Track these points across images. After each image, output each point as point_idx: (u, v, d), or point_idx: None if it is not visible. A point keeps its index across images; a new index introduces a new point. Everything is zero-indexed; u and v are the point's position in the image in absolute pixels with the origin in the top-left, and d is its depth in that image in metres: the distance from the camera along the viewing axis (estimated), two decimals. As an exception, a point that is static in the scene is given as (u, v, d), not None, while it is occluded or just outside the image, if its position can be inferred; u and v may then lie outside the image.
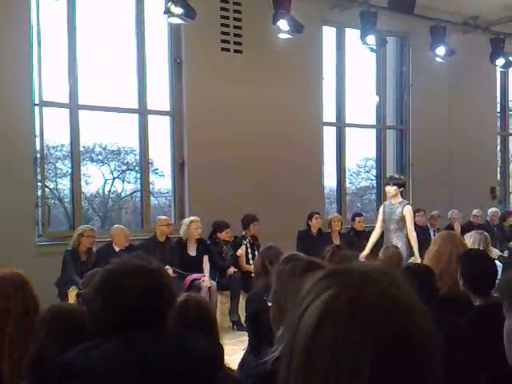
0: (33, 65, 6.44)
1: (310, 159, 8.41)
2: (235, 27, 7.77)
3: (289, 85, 8.11)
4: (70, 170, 7.12)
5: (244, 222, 7.22)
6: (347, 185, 9.58)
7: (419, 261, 5.32)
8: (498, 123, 11.27)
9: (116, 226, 6.66)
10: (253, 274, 4.53)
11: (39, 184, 6.67)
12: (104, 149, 8.17)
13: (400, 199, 6.62)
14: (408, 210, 6.51)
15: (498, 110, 11.27)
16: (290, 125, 8.12)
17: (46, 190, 7.10)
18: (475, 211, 9.22)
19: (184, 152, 7.58)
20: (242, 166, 7.70)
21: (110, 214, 8.64)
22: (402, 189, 6.66)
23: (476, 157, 9.97)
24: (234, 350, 4.54)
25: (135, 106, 7.40)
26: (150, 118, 7.50)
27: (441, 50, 8.93)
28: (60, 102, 6.87)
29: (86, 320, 1.96)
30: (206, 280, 6.53)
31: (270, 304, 2.19)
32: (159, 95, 7.59)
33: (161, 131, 7.67)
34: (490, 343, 2.62)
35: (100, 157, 8.19)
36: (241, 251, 7.03)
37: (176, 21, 6.78)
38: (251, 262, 6.99)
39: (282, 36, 7.49)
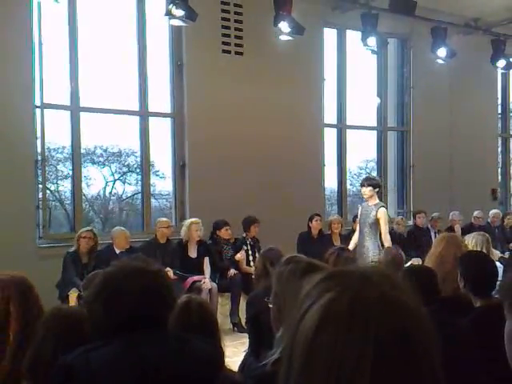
0: (34, 67, 6.45)
1: (310, 161, 8.41)
2: (236, 29, 7.78)
3: (290, 86, 8.11)
4: (70, 172, 7.13)
5: (244, 223, 7.22)
6: (348, 186, 9.58)
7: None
8: (499, 125, 11.27)
9: (116, 227, 6.66)
10: (253, 276, 4.53)
11: (40, 186, 6.67)
12: (105, 151, 8.19)
13: (376, 201, 6.31)
14: (382, 213, 6.21)
15: (499, 111, 11.26)
16: (291, 126, 8.12)
17: (47, 192, 7.10)
18: (476, 213, 9.22)
19: (185, 154, 7.58)
20: (242, 168, 7.70)
21: (111, 215, 8.65)
22: (377, 189, 6.35)
23: (477, 158, 9.97)
24: (235, 352, 4.53)
25: (136, 108, 7.40)
26: (151, 120, 7.50)
27: (442, 52, 8.93)
28: (61, 104, 6.88)
29: (86, 322, 1.96)
30: (206, 282, 6.52)
31: (270, 306, 2.19)
32: (160, 97, 7.60)
33: (162, 133, 7.67)
34: (491, 345, 2.62)
35: (101, 159, 8.20)
36: (240, 255, 7.01)
37: (177, 23, 6.79)
38: (252, 263, 6.98)
39: (283, 38, 7.49)
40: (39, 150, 6.60)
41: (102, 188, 8.34)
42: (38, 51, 6.48)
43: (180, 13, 6.52)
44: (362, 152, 10.01)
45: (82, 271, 5.90)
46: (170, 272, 6.03)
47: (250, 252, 7.21)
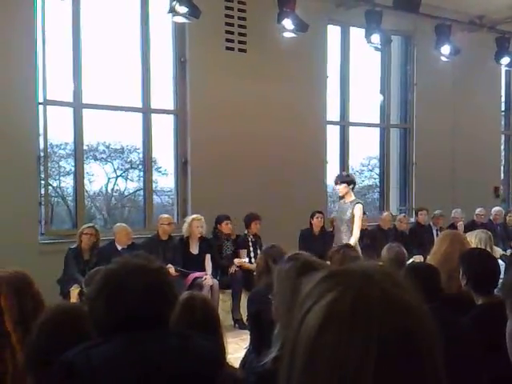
0: (37, 63, 6.45)
1: (313, 158, 8.40)
2: (239, 26, 7.77)
3: (293, 83, 8.09)
4: (73, 169, 7.13)
5: (246, 220, 7.23)
6: (350, 184, 9.55)
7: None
8: (503, 122, 11.24)
9: (118, 224, 6.67)
10: (254, 273, 4.53)
11: (43, 182, 6.68)
12: (107, 147, 8.19)
13: (352, 198, 6.24)
14: (358, 209, 6.12)
15: (503, 108, 11.23)
16: (294, 123, 8.11)
17: (50, 188, 7.11)
18: (478, 210, 9.20)
19: (187, 151, 7.58)
20: (245, 164, 7.70)
21: (113, 212, 8.66)
22: (352, 186, 6.29)
23: (480, 156, 9.94)
24: (236, 349, 4.54)
25: (139, 104, 7.40)
26: (154, 116, 7.50)
27: (446, 49, 8.90)
28: (64, 100, 6.88)
29: (85, 319, 1.96)
30: (207, 278, 6.53)
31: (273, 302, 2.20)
32: (163, 94, 7.60)
33: (164, 130, 7.67)
34: (493, 343, 2.62)
35: (103, 155, 8.21)
36: (240, 260, 6.97)
37: (180, 20, 6.77)
38: (253, 260, 6.99)
39: (287, 35, 7.48)
40: (42, 146, 6.61)
41: (105, 184, 8.35)
42: (41, 48, 6.48)
43: (183, 10, 6.51)
44: (365, 149, 10.00)
45: (84, 267, 5.91)
46: (171, 269, 6.04)
47: (251, 249, 7.21)
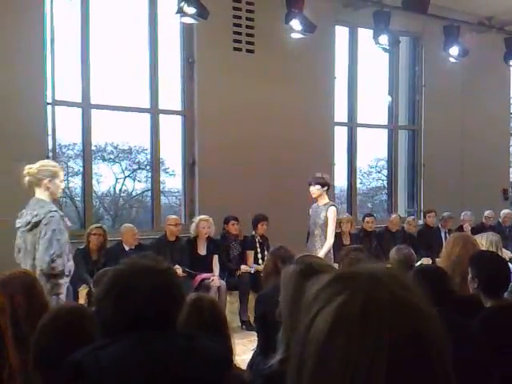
0: (46, 64, 6.47)
1: (320, 159, 8.37)
2: (247, 27, 7.77)
3: (301, 84, 8.09)
4: (81, 169, 7.16)
5: (253, 221, 7.23)
6: (358, 185, 9.54)
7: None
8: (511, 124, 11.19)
9: (125, 224, 6.69)
10: (262, 274, 4.52)
11: (51, 182, 6.69)
12: (115, 148, 8.22)
13: (325, 201, 5.98)
14: (332, 212, 5.87)
15: (512, 110, 11.18)
16: (301, 124, 8.10)
17: (58, 188, 7.13)
18: (487, 212, 9.15)
19: (195, 152, 7.59)
20: (252, 165, 7.69)
21: (121, 212, 8.68)
22: (326, 188, 6.00)
23: (488, 158, 9.89)
24: (243, 350, 4.54)
25: (147, 105, 7.41)
26: (162, 117, 7.51)
27: (454, 50, 8.86)
28: (72, 101, 6.90)
29: (88, 319, 1.97)
30: (215, 279, 6.53)
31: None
32: (171, 95, 7.61)
33: (172, 131, 7.69)
34: (502, 345, 2.60)
35: (111, 156, 8.23)
36: (246, 268, 6.95)
37: (189, 20, 6.78)
38: (260, 261, 6.99)
39: (295, 35, 7.47)
40: (50, 146, 6.63)
41: (113, 185, 8.38)
42: (49, 48, 6.51)
43: (192, 10, 6.52)
44: (373, 151, 9.97)
45: (92, 268, 5.93)
46: (178, 270, 6.05)
47: (258, 250, 7.20)
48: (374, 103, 9.60)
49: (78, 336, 1.93)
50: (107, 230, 6.51)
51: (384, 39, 8.11)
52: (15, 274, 2.59)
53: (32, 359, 2.00)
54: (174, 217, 6.94)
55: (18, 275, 2.56)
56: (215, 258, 6.87)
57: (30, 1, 6.36)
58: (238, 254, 7.16)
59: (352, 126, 9.11)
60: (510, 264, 3.55)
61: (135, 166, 8.41)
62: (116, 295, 1.71)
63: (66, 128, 7.09)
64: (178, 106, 7.66)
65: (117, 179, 8.35)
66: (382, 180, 10.35)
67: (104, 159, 8.04)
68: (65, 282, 3.97)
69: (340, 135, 9.00)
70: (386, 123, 9.68)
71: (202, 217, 6.87)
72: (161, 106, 7.46)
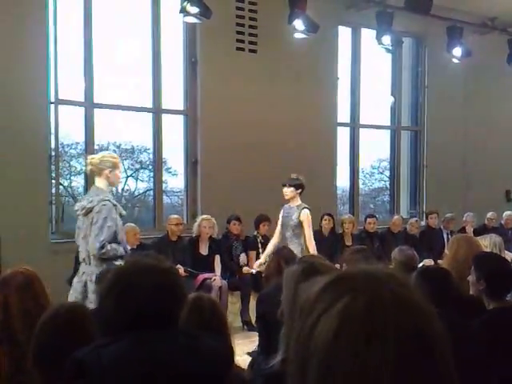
0: (49, 63, 6.48)
1: (323, 160, 8.37)
2: (250, 27, 7.77)
3: (303, 85, 8.08)
4: (84, 168, 7.16)
5: (255, 221, 7.23)
6: (360, 186, 9.53)
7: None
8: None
9: (127, 224, 6.69)
10: (263, 274, 4.52)
11: (54, 181, 6.71)
12: (118, 147, 8.22)
13: (298, 202, 5.85)
14: (305, 215, 5.73)
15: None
16: (304, 125, 8.10)
17: (60, 187, 7.15)
18: (490, 214, 9.14)
19: (197, 151, 7.59)
20: (255, 165, 7.69)
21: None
22: (300, 190, 5.89)
23: (491, 159, 9.87)
24: (245, 350, 4.53)
25: (150, 105, 7.42)
26: (164, 117, 7.52)
27: (457, 51, 8.85)
28: (75, 100, 6.91)
29: (90, 318, 1.97)
30: (217, 279, 6.53)
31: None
32: (174, 94, 7.61)
33: (175, 130, 7.69)
34: (503, 346, 2.60)
35: (114, 155, 8.22)
36: (248, 270, 6.94)
37: (192, 20, 6.79)
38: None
39: (298, 36, 7.47)
40: (53, 145, 6.64)
41: (115, 184, 8.37)
42: (52, 47, 6.52)
43: (195, 10, 6.52)
44: (375, 151, 9.96)
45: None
46: (180, 269, 6.05)
47: (260, 250, 7.20)
48: (377, 104, 9.59)
49: (78, 334, 1.94)
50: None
51: (387, 40, 8.10)
52: (13, 273, 2.59)
53: (32, 357, 2.01)
54: (175, 216, 6.94)
55: (14, 275, 2.56)
56: (217, 257, 6.87)
57: (33, 0, 6.37)
58: (240, 253, 7.15)
59: (355, 126, 9.11)
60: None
61: (137, 166, 8.42)
62: (118, 293, 1.71)
63: (68, 127, 7.10)
64: (181, 106, 7.66)
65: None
66: (385, 181, 10.34)
67: (106, 158, 8.03)
68: (118, 263, 4.18)
69: (342, 136, 9.00)
70: (389, 124, 9.67)
71: (204, 216, 6.88)
72: (163, 106, 7.47)
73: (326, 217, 7.77)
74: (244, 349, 4.66)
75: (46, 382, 1.95)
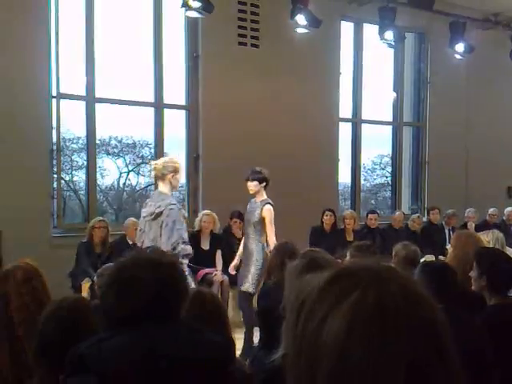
0: (51, 57, 6.47)
1: (325, 155, 8.36)
2: (252, 21, 7.75)
3: (305, 80, 8.07)
4: (85, 163, 7.17)
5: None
6: (362, 182, 9.52)
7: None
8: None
9: (129, 218, 6.70)
10: (265, 269, 4.52)
11: (55, 176, 6.71)
12: (120, 142, 8.23)
13: (263, 197, 5.54)
14: (267, 211, 5.43)
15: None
16: (306, 120, 8.08)
17: (62, 182, 7.15)
18: (491, 210, 9.12)
19: (199, 146, 7.58)
20: (257, 160, 7.65)
21: (125, 206, 8.69)
22: (264, 184, 5.57)
23: (493, 155, 9.85)
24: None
25: (151, 99, 7.41)
26: (166, 111, 7.51)
27: (460, 47, 8.82)
28: (77, 94, 6.90)
29: (92, 312, 1.97)
30: (218, 274, 6.53)
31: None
32: (175, 89, 7.60)
33: (176, 125, 7.68)
34: (505, 342, 2.60)
35: (115, 150, 8.25)
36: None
37: (193, 14, 6.77)
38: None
39: (300, 31, 7.45)
40: (54, 139, 6.64)
41: (116, 179, 8.39)
42: (54, 41, 6.51)
43: (196, 4, 6.50)
44: (377, 147, 9.95)
45: (96, 261, 5.94)
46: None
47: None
48: (379, 99, 9.57)
49: (82, 328, 1.94)
50: (110, 223, 6.52)
51: (389, 35, 8.07)
52: (14, 267, 2.59)
53: (34, 351, 2.01)
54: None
55: (15, 269, 2.56)
56: (218, 252, 6.86)
57: (35, -6, 6.36)
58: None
59: (356, 122, 9.09)
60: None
61: (139, 160, 8.42)
62: (119, 287, 1.71)
63: (70, 121, 7.10)
64: (182, 101, 7.65)
65: (121, 173, 8.36)
66: (386, 177, 10.33)
67: (108, 153, 8.06)
68: (186, 262, 4.64)
69: (344, 131, 8.98)
70: (391, 119, 9.65)
71: (205, 212, 6.87)
72: (165, 101, 7.45)
73: (327, 212, 7.76)
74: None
75: (48, 376, 1.95)
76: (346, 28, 8.84)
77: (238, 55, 7.63)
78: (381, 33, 8.06)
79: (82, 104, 6.93)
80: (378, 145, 9.90)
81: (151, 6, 7.31)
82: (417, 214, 8.87)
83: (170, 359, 1.63)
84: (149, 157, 8.19)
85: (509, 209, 9.44)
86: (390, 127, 9.70)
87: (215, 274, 6.53)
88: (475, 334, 2.41)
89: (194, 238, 6.86)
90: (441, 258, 7.01)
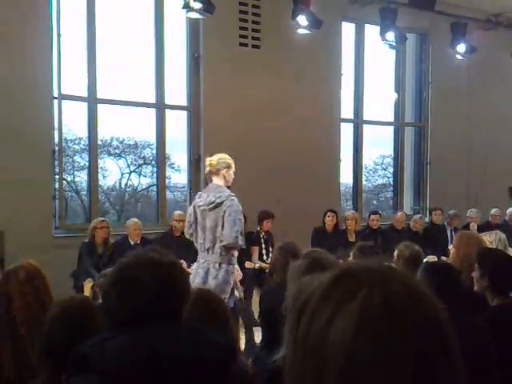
0: (52, 58, 6.48)
1: (326, 156, 8.36)
2: (254, 22, 7.75)
3: (307, 80, 8.07)
4: (87, 163, 7.17)
5: (259, 218, 7.21)
6: (363, 182, 9.52)
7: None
8: (519, 122, 11.10)
9: (131, 219, 6.70)
10: (267, 270, 4.52)
11: (57, 177, 6.72)
12: (121, 142, 8.23)
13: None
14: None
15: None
16: (307, 120, 8.08)
17: (64, 182, 7.16)
18: (494, 211, 9.11)
19: (200, 147, 7.59)
20: (258, 161, 7.68)
21: (126, 207, 8.70)
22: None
23: (495, 155, 9.84)
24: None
25: (153, 100, 7.41)
26: (168, 112, 7.51)
27: (461, 47, 8.82)
28: (79, 95, 6.91)
29: (97, 311, 1.97)
30: (220, 275, 6.52)
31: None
32: (177, 89, 7.61)
33: (178, 126, 7.69)
34: (508, 342, 2.59)
35: (117, 150, 8.25)
36: (250, 264, 6.88)
37: (195, 15, 6.77)
38: (265, 257, 6.98)
39: (301, 31, 7.45)
40: (56, 140, 6.64)
41: (118, 180, 8.39)
42: (56, 42, 6.52)
43: (198, 5, 6.50)
44: (379, 147, 9.94)
45: (98, 261, 5.95)
46: (183, 264, 6.05)
47: (263, 246, 7.19)
48: (381, 100, 9.57)
49: (89, 327, 1.94)
50: (112, 224, 6.53)
51: (391, 36, 8.07)
52: (16, 267, 2.59)
53: (40, 350, 2.00)
54: (179, 213, 6.93)
55: (18, 269, 2.56)
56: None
57: (36, -5, 6.37)
58: (242, 249, 7.12)
59: (358, 122, 9.09)
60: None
61: (141, 161, 8.42)
62: (121, 287, 1.71)
63: (72, 122, 7.10)
64: (184, 101, 7.65)
65: (122, 174, 8.36)
66: (388, 177, 10.32)
67: (110, 154, 8.06)
68: (236, 254, 4.83)
69: (346, 132, 8.98)
70: (393, 120, 9.64)
71: (206, 212, 6.86)
72: (166, 101, 7.46)
73: (329, 213, 7.75)
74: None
75: (54, 375, 1.95)
76: (348, 29, 8.84)
77: (239, 56, 7.64)
78: (382, 33, 8.06)
79: (84, 105, 6.94)
80: (379, 145, 9.90)
81: (152, 7, 7.32)
82: (419, 215, 8.86)
83: (171, 359, 1.62)
84: (150, 158, 8.19)
85: (511, 209, 9.43)
86: (391, 128, 9.70)
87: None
88: (478, 334, 2.41)
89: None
90: (443, 258, 7.00)
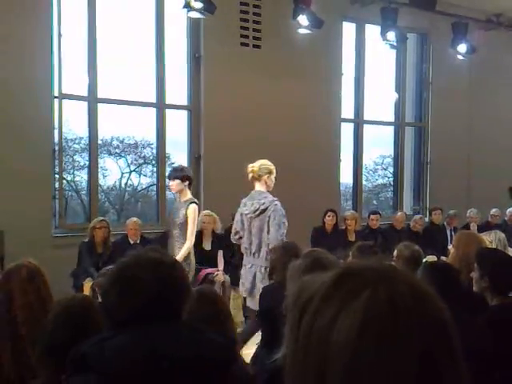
0: (53, 57, 6.48)
1: (327, 155, 8.36)
2: (254, 22, 7.75)
3: (307, 80, 8.06)
4: (87, 163, 7.17)
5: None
6: (363, 182, 9.52)
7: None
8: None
9: (130, 218, 6.71)
10: (268, 269, 4.52)
11: (57, 176, 6.72)
12: (121, 142, 8.22)
13: (187, 197, 5.34)
14: (192, 210, 5.25)
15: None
16: (308, 120, 8.08)
17: (64, 182, 7.16)
18: (493, 211, 9.11)
19: (200, 146, 7.59)
20: (258, 161, 7.67)
21: (126, 207, 8.70)
22: (187, 183, 5.34)
23: (495, 155, 9.83)
24: (247, 345, 4.53)
25: (153, 99, 7.41)
26: (168, 112, 7.51)
27: (462, 48, 8.81)
28: (79, 94, 6.91)
29: (94, 310, 1.97)
30: (219, 274, 6.53)
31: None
32: (177, 89, 7.60)
33: (178, 125, 7.68)
34: (507, 342, 2.59)
35: (117, 150, 8.24)
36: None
37: (195, 15, 6.77)
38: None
39: (302, 31, 7.44)
40: (56, 140, 6.64)
41: (118, 179, 8.39)
42: (56, 42, 6.51)
43: (198, 5, 6.50)
44: (379, 147, 9.94)
45: (97, 261, 5.95)
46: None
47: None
48: (381, 100, 9.56)
49: (91, 326, 1.94)
50: (112, 223, 6.53)
51: (391, 36, 8.06)
52: (17, 266, 2.59)
53: (40, 350, 2.00)
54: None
55: (18, 268, 2.56)
56: (220, 253, 6.86)
57: (37, -6, 6.37)
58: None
59: (358, 122, 9.09)
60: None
61: (141, 161, 8.42)
62: (121, 287, 1.71)
63: (72, 122, 7.10)
64: (184, 101, 7.65)
65: (122, 173, 8.36)
66: (388, 177, 10.32)
67: (110, 153, 8.05)
68: None
69: (346, 132, 8.98)
70: (393, 120, 9.64)
71: (205, 212, 6.87)
72: (167, 101, 7.46)
73: (329, 213, 7.75)
74: (247, 343, 4.66)
75: (54, 375, 1.95)
76: (348, 29, 8.83)
77: (240, 56, 7.63)
78: (383, 33, 8.05)
79: (84, 104, 6.93)
80: (379, 145, 9.89)
81: (153, 7, 7.32)
82: (419, 215, 8.86)
83: (171, 359, 1.62)
84: (150, 157, 8.19)
85: (511, 209, 9.43)
86: (391, 128, 9.70)
87: (217, 274, 6.53)
88: (477, 334, 2.41)
89: (196, 239, 6.85)
90: (443, 258, 7.00)
